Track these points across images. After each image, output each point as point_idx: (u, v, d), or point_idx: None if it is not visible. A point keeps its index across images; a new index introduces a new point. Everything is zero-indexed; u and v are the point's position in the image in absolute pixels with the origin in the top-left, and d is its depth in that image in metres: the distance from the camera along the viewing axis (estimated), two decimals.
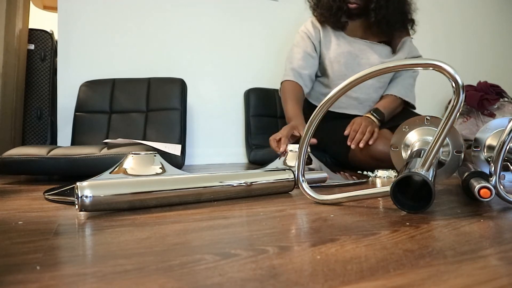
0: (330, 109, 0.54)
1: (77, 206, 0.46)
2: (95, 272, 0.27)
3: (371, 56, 1.25)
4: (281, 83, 1.28)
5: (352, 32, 1.29)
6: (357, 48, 1.26)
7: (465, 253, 0.31)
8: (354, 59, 1.24)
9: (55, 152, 0.87)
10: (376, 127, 1.11)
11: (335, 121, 1.22)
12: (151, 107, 1.41)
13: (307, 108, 1.34)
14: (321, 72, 1.32)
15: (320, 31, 1.28)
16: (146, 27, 1.56)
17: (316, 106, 1.27)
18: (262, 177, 0.62)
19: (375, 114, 1.15)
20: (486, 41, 2.33)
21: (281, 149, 0.99)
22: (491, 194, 0.48)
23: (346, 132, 1.10)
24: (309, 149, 0.77)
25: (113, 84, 1.43)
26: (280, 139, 1.01)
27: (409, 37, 1.33)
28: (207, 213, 0.49)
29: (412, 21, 1.32)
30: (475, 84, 2.00)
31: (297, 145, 0.75)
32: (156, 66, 1.55)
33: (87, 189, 0.46)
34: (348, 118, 1.22)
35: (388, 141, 1.04)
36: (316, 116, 0.53)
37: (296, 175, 0.60)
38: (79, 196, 0.45)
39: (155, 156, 0.68)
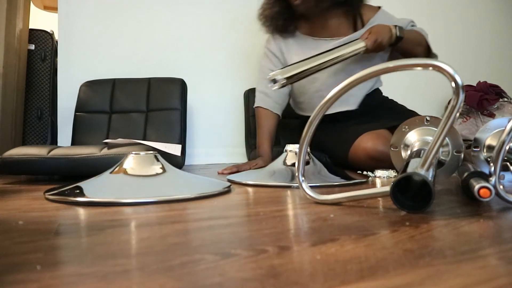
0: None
1: None
2: (95, 272, 0.27)
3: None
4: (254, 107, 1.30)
5: (308, 32, 1.24)
6: (314, 47, 1.20)
7: (465, 253, 0.31)
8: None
9: (56, 152, 0.87)
10: (387, 41, 1.05)
11: (333, 123, 1.22)
12: (151, 107, 1.41)
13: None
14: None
15: (281, 42, 1.26)
16: (146, 27, 1.56)
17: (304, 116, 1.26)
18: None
19: (398, 30, 1.07)
20: (486, 41, 2.33)
21: (222, 171, 1.07)
22: (491, 194, 0.48)
23: (363, 37, 1.05)
24: (308, 149, 0.77)
25: (113, 84, 1.43)
26: (232, 168, 1.09)
27: (379, 10, 1.23)
28: (207, 213, 0.49)
29: None
30: (474, 84, 2.00)
31: (297, 145, 0.75)
32: (156, 66, 1.55)
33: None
34: (343, 120, 1.21)
35: (386, 140, 1.04)
36: (315, 117, 0.53)
37: (296, 175, 0.60)
38: None
39: (155, 156, 0.68)
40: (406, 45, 1.12)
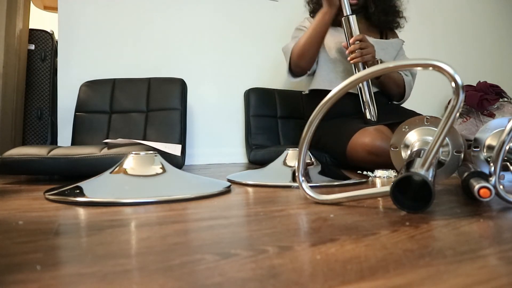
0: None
1: None
2: (95, 272, 0.27)
3: None
4: (292, 51, 1.31)
5: (337, 24, 1.34)
6: (338, 35, 1.31)
7: (465, 253, 0.31)
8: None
9: (56, 152, 0.87)
10: (374, 56, 1.18)
11: (332, 120, 1.22)
12: (151, 107, 1.41)
13: (310, 99, 1.36)
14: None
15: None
16: (146, 27, 1.56)
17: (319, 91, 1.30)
18: None
19: (380, 61, 1.22)
20: (486, 41, 2.33)
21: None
22: (491, 194, 0.48)
23: (351, 41, 1.17)
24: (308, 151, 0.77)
25: (113, 84, 1.43)
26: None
27: (402, 41, 1.43)
28: (207, 213, 0.49)
29: (404, 18, 1.42)
30: (474, 84, 2.00)
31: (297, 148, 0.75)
32: (156, 66, 1.55)
33: None
34: (344, 115, 1.22)
35: (384, 136, 1.04)
36: (315, 117, 0.53)
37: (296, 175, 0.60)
38: None
39: (155, 156, 0.68)
40: (385, 80, 1.27)
